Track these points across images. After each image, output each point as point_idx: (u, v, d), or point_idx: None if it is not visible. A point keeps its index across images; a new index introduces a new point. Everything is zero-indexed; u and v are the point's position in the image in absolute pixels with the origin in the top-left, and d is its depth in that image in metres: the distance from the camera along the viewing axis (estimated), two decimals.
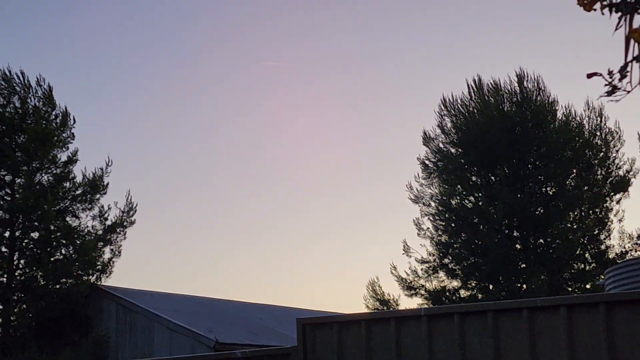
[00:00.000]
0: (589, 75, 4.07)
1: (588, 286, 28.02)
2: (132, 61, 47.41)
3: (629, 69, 3.99)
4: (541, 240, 29.12)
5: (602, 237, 29.49)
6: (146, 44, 47.84)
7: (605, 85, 4.03)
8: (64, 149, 26.23)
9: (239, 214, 49.53)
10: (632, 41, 3.94)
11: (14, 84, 25.56)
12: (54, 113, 26.10)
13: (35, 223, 24.73)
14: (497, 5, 46.05)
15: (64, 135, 26.22)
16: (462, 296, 29.21)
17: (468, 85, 30.51)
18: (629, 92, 4.01)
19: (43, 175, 25.73)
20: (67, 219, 25.85)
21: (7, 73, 25.55)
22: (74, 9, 44.88)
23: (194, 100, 48.77)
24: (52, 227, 24.94)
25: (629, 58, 3.95)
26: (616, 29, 3.99)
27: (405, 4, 46.32)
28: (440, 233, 30.07)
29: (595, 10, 4.02)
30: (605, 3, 3.99)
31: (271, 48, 49.27)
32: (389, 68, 48.67)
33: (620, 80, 4.00)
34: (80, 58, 45.90)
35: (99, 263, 25.51)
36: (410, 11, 46.97)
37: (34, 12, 44.02)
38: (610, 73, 4.01)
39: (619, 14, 3.98)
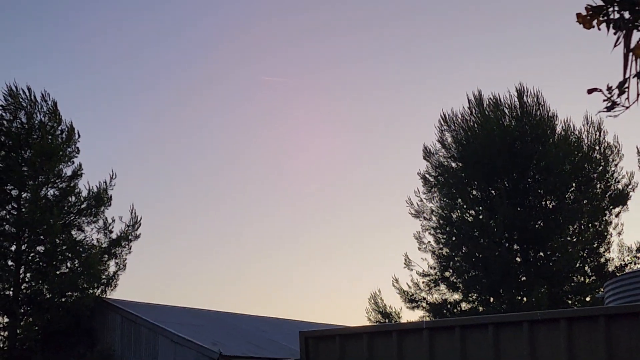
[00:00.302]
0: (589, 91, 4.18)
1: (588, 299, 28.18)
2: (136, 75, 47.72)
3: (627, 85, 4.07)
4: (541, 254, 29.29)
5: (602, 250, 29.68)
6: (150, 59, 48.15)
7: (604, 100, 4.12)
8: (69, 163, 26.48)
9: (243, 227, 49.75)
10: (630, 58, 4.03)
11: (20, 100, 25.81)
12: (59, 128, 26.35)
13: (41, 237, 24.91)
14: (497, 21, 46.36)
15: (69, 149, 26.46)
16: (463, 309, 29.38)
17: (468, 100, 30.80)
18: (627, 107, 4.10)
19: (49, 189, 25.94)
20: (73, 232, 26.05)
21: (14, 89, 25.80)
22: (79, 25, 45.23)
23: (199, 115, 49.04)
24: (57, 241, 25.11)
25: (628, 74, 4.03)
26: (615, 46, 4.06)
27: (404, 20, 46.64)
28: (441, 246, 30.28)
29: (594, 27, 4.11)
30: (602, 19, 4.08)
31: (270, 64, 49.56)
32: (389, 83, 48.97)
33: (619, 96, 4.09)
34: (84, 72, 46.20)
35: (104, 276, 25.71)
36: (410, 27, 47.31)
37: (39, 29, 44.37)
38: (609, 89, 4.11)
39: (617, 30, 4.07)
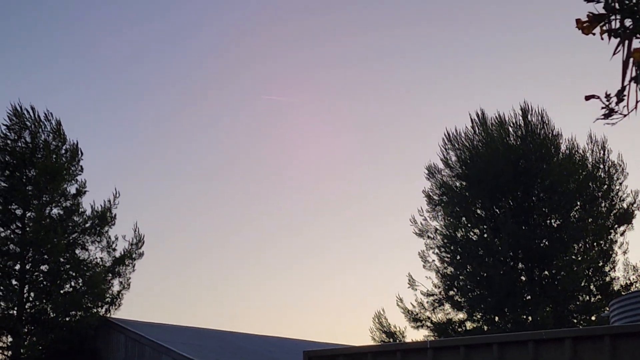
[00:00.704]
0: (587, 98, 4.17)
1: (593, 318, 28.08)
2: (138, 93, 47.88)
3: (626, 92, 4.06)
4: (546, 272, 29.22)
5: (607, 269, 29.60)
6: (152, 78, 48.30)
7: (603, 108, 4.12)
8: (73, 181, 26.53)
9: (247, 246, 49.71)
10: (629, 65, 4.03)
11: (25, 119, 25.90)
12: (64, 147, 26.42)
13: (45, 256, 24.92)
14: (498, 38, 46.47)
15: (73, 168, 26.53)
16: (467, 328, 29.28)
17: (471, 119, 30.81)
18: (625, 115, 4.09)
19: (53, 208, 26.00)
20: (77, 251, 26.07)
21: (18, 108, 25.91)
22: (81, 42, 45.44)
23: (201, 134, 49.14)
24: (61, 260, 25.13)
25: (627, 82, 4.03)
26: (614, 53, 4.06)
27: (406, 37, 46.78)
28: (445, 265, 30.23)
29: (594, 34, 4.10)
30: (604, 29, 4.07)
31: (272, 83, 49.68)
32: (393, 102, 49.06)
33: (617, 103, 4.08)
34: (87, 90, 46.35)
35: (108, 295, 25.69)
36: (412, 43, 47.42)
37: (42, 48, 44.57)
38: (607, 96, 4.10)
39: (618, 39, 4.06)
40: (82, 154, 26.72)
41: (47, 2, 43.96)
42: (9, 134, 25.67)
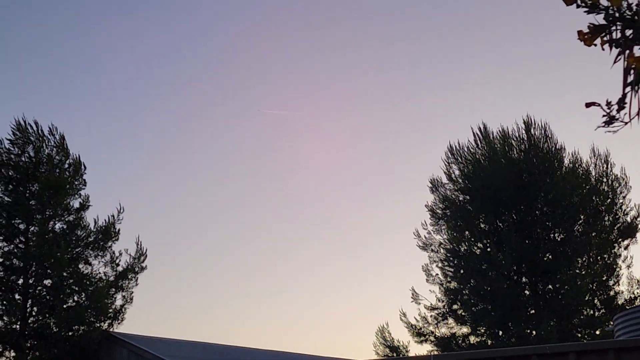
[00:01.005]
0: (588, 105, 4.17)
1: (597, 332, 28.01)
2: (141, 108, 47.97)
3: (627, 100, 4.07)
4: (550, 287, 29.16)
5: (611, 283, 29.54)
6: (155, 92, 48.40)
7: (603, 116, 4.12)
8: (76, 196, 26.55)
9: (251, 260, 49.69)
10: (630, 73, 4.03)
11: (28, 134, 25.95)
12: (67, 162, 26.45)
13: (48, 270, 24.92)
14: (500, 51, 46.54)
15: (76, 182, 26.54)
16: (471, 342, 29.22)
17: (474, 133, 30.83)
18: (626, 123, 4.09)
19: (56, 222, 25.99)
20: (80, 265, 26.05)
21: (22, 123, 25.97)
22: (84, 57, 45.58)
23: (203, 147, 49.21)
24: (64, 274, 25.12)
25: (627, 89, 4.03)
26: (615, 62, 4.07)
27: (408, 51, 46.87)
28: (449, 279, 30.20)
29: (595, 45, 4.10)
30: (605, 39, 4.08)
31: (271, 97, 49.80)
32: (395, 115, 49.11)
33: (618, 111, 4.09)
34: (90, 105, 46.47)
35: (111, 310, 25.65)
36: (414, 58, 47.51)
37: (45, 62, 44.73)
38: (608, 104, 4.11)
39: (619, 49, 4.06)
40: (85, 168, 26.76)
41: (50, 16, 44.13)
42: (12, 148, 25.71)
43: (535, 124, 30.35)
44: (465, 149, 30.93)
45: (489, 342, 28.45)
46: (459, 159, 30.97)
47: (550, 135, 30.31)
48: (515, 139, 30.36)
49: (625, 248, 29.91)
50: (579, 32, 4.10)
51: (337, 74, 49.30)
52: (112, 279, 26.38)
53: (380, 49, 47.88)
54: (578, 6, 4.03)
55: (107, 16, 44.92)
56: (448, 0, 46.56)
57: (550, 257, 29.08)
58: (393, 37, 47.64)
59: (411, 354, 30.39)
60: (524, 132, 30.30)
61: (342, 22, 47.68)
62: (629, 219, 29.96)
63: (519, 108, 47.53)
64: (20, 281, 24.97)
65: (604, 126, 4.16)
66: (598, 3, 4.00)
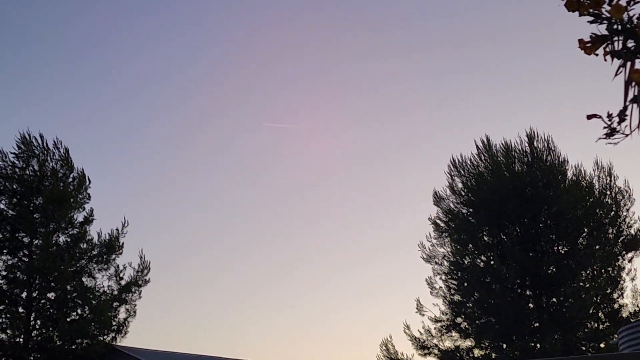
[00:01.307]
0: (589, 117, 4.14)
1: (602, 345, 27.92)
2: (145, 122, 48.06)
3: (628, 112, 4.04)
4: (554, 299, 29.08)
5: (615, 295, 29.43)
6: (159, 106, 48.52)
7: (605, 127, 4.10)
8: (80, 209, 26.59)
9: (254, 273, 49.65)
10: (631, 85, 4.01)
11: (33, 147, 26.01)
12: (71, 175, 26.50)
13: (52, 284, 24.94)
14: (503, 65, 46.61)
15: (80, 196, 26.58)
16: (475, 355, 29.14)
17: (476, 146, 30.83)
18: (627, 135, 4.07)
19: (60, 236, 26.03)
20: (83, 279, 26.08)
21: (27, 136, 26.03)
22: (89, 71, 45.71)
23: (206, 162, 49.26)
24: (68, 288, 25.14)
25: (629, 102, 4.01)
26: (616, 74, 4.05)
27: (411, 64, 46.96)
28: (452, 292, 30.13)
29: (597, 55, 4.09)
30: (607, 50, 4.05)
31: (274, 110, 49.88)
32: (398, 128, 49.15)
33: (619, 123, 4.06)
34: (95, 119, 46.57)
35: (114, 323, 25.65)
36: (417, 71, 47.60)
37: (50, 76, 44.85)
38: (609, 116, 4.08)
39: (621, 60, 4.04)
40: (89, 181, 26.82)
41: (55, 31, 44.30)
42: (17, 162, 25.78)
43: (538, 137, 30.33)
44: (469, 162, 30.92)
45: (493, 355, 28.37)
46: (462, 172, 30.96)
47: (553, 148, 30.28)
48: (518, 151, 30.32)
49: (629, 261, 29.85)
50: (580, 41, 4.11)
51: (337, 87, 49.39)
52: (115, 292, 26.39)
53: (383, 62, 48.02)
54: (581, 14, 4.05)
55: (113, 32, 45.14)
56: (452, 15, 46.71)
57: (554, 270, 29.01)
58: (396, 50, 47.76)
59: None
60: (526, 144, 30.27)
61: (347, 35, 47.81)
62: (632, 232, 29.88)
63: (522, 121, 47.62)
64: (24, 294, 24.99)
65: (605, 138, 4.13)
66: (601, 12, 4.02)
